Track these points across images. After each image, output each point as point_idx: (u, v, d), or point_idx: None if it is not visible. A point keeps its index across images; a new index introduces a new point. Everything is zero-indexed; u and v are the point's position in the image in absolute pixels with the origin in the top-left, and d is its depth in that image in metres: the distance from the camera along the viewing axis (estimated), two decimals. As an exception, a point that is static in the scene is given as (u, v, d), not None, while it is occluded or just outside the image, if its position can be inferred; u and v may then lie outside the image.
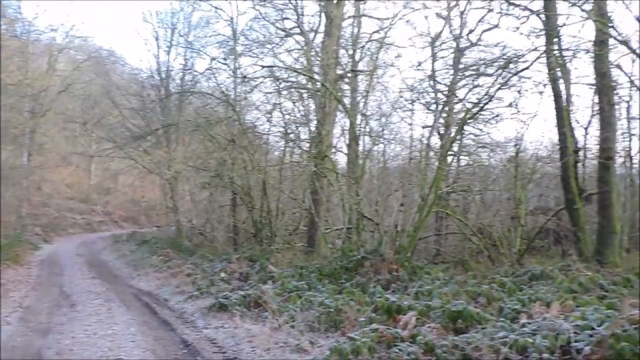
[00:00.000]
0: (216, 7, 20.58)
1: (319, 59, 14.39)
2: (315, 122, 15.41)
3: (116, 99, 26.08)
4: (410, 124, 17.56)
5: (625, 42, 8.83)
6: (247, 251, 13.60)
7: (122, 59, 35.41)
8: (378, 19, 17.35)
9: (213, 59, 18.90)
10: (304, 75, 14.45)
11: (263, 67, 15.23)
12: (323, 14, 15.84)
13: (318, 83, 13.95)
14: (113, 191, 37.78)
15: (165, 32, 25.95)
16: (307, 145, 15.82)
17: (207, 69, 19.56)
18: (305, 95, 16.15)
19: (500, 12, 12.33)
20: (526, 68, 10.30)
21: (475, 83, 16.53)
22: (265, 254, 12.49)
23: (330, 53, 13.80)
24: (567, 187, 11.30)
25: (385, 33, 16.46)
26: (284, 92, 15.81)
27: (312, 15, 17.71)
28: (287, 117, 16.37)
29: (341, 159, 17.52)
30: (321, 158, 12.85)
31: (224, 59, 18.54)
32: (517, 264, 11.03)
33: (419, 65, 13.72)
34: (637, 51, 9.24)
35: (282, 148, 17.88)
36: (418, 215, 10.81)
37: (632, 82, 11.97)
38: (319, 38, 16.77)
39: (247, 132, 15.91)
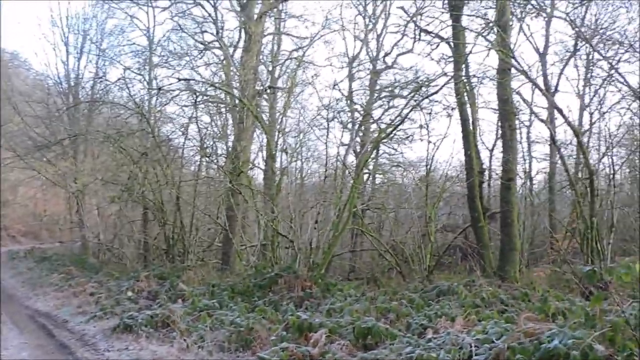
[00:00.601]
0: (132, 16, 19.96)
1: (238, 74, 14.26)
2: (232, 137, 15.23)
3: (18, 106, 24.33)
4: (326, 142, 17.82)
5: (524, 72, 9.50)
6: (158, 269, 13.06)
7: (27, 63, 33.13)
8: (298, 37, 17.57)
9: (127, 68, 18.22)
10: (221, 89, 14.27)
11: (180, 79, 14.86)
12: (243, 30, 15.78)
13: (236, 98, 13.80)
14: (11, 204, 35.09)
15: (76, 37, 24.68)
16: (224, 160, 15.58)
17: (120, 79, 18.77)
18: (223, 109, 15.96)
19: (414, 38, 12.93)
20: (435, 92, 10.81)
21: (391, 104, 17.16)
22: (177, 272, 12.07)
23: (248, 69, 13.74)
24: (473, 206, 11.89)
25: (304, 52, 16.67)
26: (201, 106, 15.53)
27: (232, 30, 17.60)
28: (203, 131, 16.09)
29: (259, 175, 17.44)
30: (237, 174, 12.68)
31: (139, 69, 17.96)
32: (426, 280, 11.40)
33: (336, 85, 13.95)
34: (535, 80, 9.96)
35: (197, 163, 17.50)
36: (332, 232, 10.91)
37: (531, 109, 12.87)
38: (239, 53, 16.71)
39: (160, 145, 15.38)
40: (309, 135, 16.32)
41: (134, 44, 20.55)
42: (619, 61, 11.87)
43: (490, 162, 16.92)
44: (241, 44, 16.37)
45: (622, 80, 9.52)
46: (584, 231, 9.16)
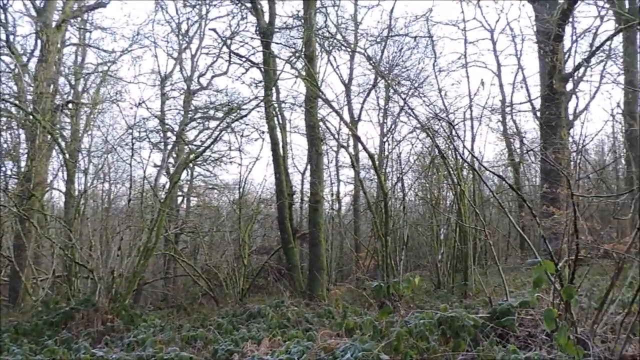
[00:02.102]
0: None
1: (31, 85, 12.82)
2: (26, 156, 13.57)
3: None
4: (131, 163, 16.94)
5: (327, 101, 10.15)
6: None
7: None
8: (105, 51, 16.49)
9: None
10: (8, 102, 12.66)
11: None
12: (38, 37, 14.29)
13: (26, 112, 12.35)
14: None
15: None
16: (15, 182, 13.78)
17: None
18: (14, 124, 14.17)
19: (228, 61, 13.00)
20: (245, 115, 10.98)
21: (205, 125, 16.97)
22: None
23: (43, 80, 12.41)
24: (283, 227, 12.20)
25: (109, 67, 15.68)
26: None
27: (26, 37, 15.85)
28: (-12, 148, 14.06)
29: (61, 199, 15.80)
30: (27, 197, 11.28)
31: None
32: (239, 303, 11.35)
33: (142, 102, 13.33)
34: (337, 109, 10.70)
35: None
36: (139, 259, 10.27)
37: (333, 135, 13.75)
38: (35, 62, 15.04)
39: None
40: (117, 155, 15.36)
41: None
42: (410, 96, 13.37)
43: (302, 184, 17.67)
44: (37, 52, 14.81)
45: (411, 113, 10.64)
46: (380, 249, 9.96)
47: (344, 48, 13.06)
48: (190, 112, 16.75)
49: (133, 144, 11.24)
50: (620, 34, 15.41)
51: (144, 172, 11.79)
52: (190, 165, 17.51)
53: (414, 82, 15.13)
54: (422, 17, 14.33)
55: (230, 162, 17.26)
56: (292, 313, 8.17)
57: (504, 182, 19.28)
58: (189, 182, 18.45)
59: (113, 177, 16.01)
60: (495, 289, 8.99)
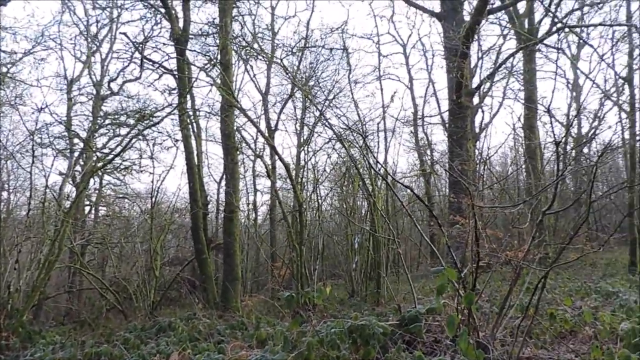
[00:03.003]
0: None
1: None
2: None
3: None
4: (41, 170, 15.94)
5: (242, 110, 10.04)
6: None
7: None
8: (4, 52, 15.36)
9: None
10: None
11: None
12: None
13: None
14: None
15: None
16: None
17: None
18: None
19: (140, 66, 12.55)
20: (157, 122, 10.63)
21: (116, 132, 16.28)
22: None
23: None
24: (197, 237, 11.93)
25: (9, 69, 14.65)
26: None
27: None
28: None
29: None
30: None
31: None
32: (150, 317, 10.93)
33: (46, 107, 12.55)
34: (252, 119, 10.63)
35: None
36: (38, 273, 9.61)
37: (249, 144, 13.66)
38: None
39: None
40: (17, 162, 14.37)
41: None
42: (326, 107, 13.57)
43: (217, 194, 17.39)
44: None
45: (327, 124, 10.78)
46: (295, 258, 9.97)
47: (260, 57, 13.04)
48: (99, 118, 15.98)
49: (34, 151, 10.55)
50: (521, 52, 16.58)
51: (47, 180, 11.07)
52: (99, 173, 16.73)
53: (329, 93, 15.44)
54: (337, 30, 14.64)
55: (142, 170, 16.67)
56: (204, 325, 7.98)
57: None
58: (97, 191, 17.57)
59: (12, 185, 14.99)
60: (406, 297, 9.27)
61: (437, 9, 14.59)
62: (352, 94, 16.71)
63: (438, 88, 23.91)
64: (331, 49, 14.40)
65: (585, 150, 21.19)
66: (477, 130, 21.58)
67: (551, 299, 8.03)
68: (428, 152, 22.70)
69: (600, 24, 13.96)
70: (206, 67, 10.98)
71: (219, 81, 10.65)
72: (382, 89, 28.32)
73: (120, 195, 17.86)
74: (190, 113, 11.73)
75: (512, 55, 16.07)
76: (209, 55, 11.48)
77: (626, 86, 13.78)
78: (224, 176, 14.29)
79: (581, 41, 20.06)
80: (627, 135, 14.84)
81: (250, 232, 15.79)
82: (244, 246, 14.79)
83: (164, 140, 11.92)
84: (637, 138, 13.11)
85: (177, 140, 11.69)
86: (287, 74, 12.26)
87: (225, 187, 12.18)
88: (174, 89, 11.06)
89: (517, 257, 5.34)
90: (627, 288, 8.89)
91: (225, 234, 11.79)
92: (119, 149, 11.02)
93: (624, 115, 14.88)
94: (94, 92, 16.40)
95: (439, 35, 19.23)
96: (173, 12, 11.94)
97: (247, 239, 15.13)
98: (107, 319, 11.95)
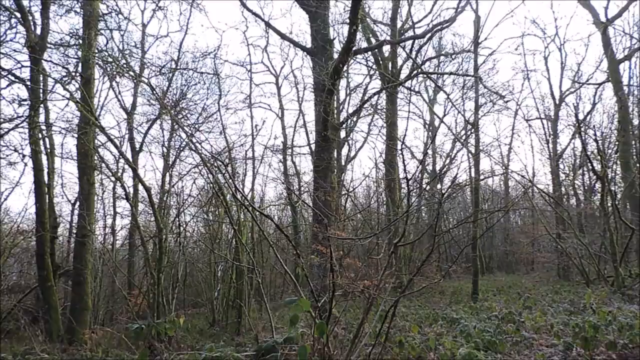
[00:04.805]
0: None
1: None
2: None
3: None
4: None
5: (102, 128, 9.46)
6: None
7: None
8: None
9: None
10: None
11: None
12: None
13: None
14: None
15: None
16: None
17: None
18: None
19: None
20: (3, 135, 9.65)
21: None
22: None
23: None
24: (42, 263, 10.89)
25: None
26: None
27: None
28: None
29: None
30: None
31: None
32: (-23, 352, 9.67)
33: None
34: (113, 138, 10.06)
35: None
36: None
37: (107, 165, 12.88)
38: None
39: None
40: None
41: None
42: (195, 131, 13.30)
43: (71, 216, 16.15)
44: None
45: (194, 148, 10.53)
46: (152, 287, 9.50)
47: (127, 75, 12.45)
48: None
49: None
50: (384, 92, 17.72)
51: None
52: None
53: (199, 117, 15.20)
54: (210, 54, 14.50)
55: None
56: (35, 361, 7.26)
57: (281, 221, 20.22)
58: None
59: None
60: (265, 326, 9.23)
61: (309, 44, 15.14)
62: (221, 119, 16.55)
63: (308, 120, 24.59)
64: (202, 73, 14.21)
65: (439, 186, 23.04)
66: (343, 162, 22.52)
67: (402, 326, 8.50)
68: (296, 181, 23.13)
69: (452, 73, 15.43)
70: (64, 79, 10.22)
71: (77, 96, 9.97)
72: (252, 117, 28.59)
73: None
74: (43, 127, 10.80)
75: (376, 94, 17.10)
76: (67, 68, 10.70)
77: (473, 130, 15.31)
78: (79, 197, 13.29)
79: (436, 86, 22.03)
80: (473, 174, 16.43)
81: (105, 258, 14.75)
82: (97, 273, 13.77)
83: (9, 155, 10.79)
84: (480, 177, 14.57)
85: (24, 156, 10.66)
86: (154, 94, 11.84)
87: (79, 209, 11.32)
88: (24, 100, 10.13)
89: (371, 286, 5.59)
90: (468, 314, 9.70)
91: (76, 259, 10.91)
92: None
93: (471, 155, 16.48)
94: None
95: (311, 69, 19.95)
96: (30, 17, 11.05)
97: (102, 265, 14.11)
98: None
